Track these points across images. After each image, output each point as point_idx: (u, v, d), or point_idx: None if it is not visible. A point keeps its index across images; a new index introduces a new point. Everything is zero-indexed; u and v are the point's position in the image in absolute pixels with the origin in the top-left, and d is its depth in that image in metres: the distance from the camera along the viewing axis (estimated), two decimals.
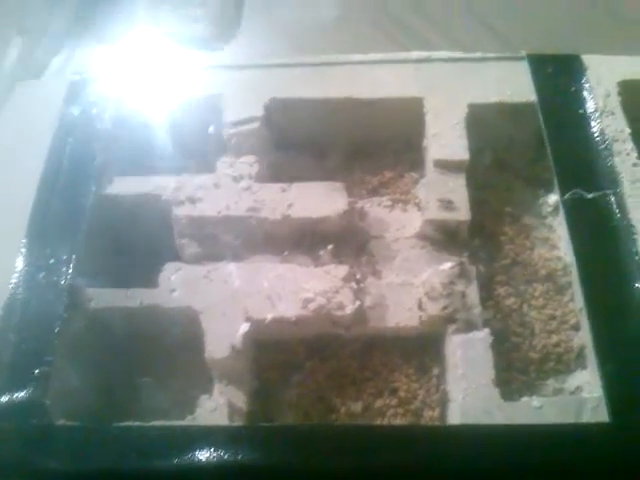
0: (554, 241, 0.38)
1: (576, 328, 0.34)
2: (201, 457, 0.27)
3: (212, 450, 0.27)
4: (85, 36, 0.60)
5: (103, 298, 0.32)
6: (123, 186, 0.36)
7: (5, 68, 0.59)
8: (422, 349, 0.33)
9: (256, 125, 0.38)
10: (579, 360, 0.34)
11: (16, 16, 0.63)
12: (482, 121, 0.38)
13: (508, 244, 0.37)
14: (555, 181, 0.35)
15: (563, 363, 0.34)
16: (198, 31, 0.64)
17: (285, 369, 0.33)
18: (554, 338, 0.34)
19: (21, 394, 0.28)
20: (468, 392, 0.29)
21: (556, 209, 0.38)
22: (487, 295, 0.35)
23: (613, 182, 0.34)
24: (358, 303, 0.32)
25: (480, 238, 0.37)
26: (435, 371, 0.33)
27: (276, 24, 0.63)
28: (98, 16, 0.62)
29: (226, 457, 0.27)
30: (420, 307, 0.32)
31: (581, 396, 0.30)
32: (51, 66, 0.59)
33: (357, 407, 0.32)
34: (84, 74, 0.41)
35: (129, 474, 0.27)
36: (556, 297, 0.36)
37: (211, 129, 0.38)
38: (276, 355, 0.33)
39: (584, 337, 0.33)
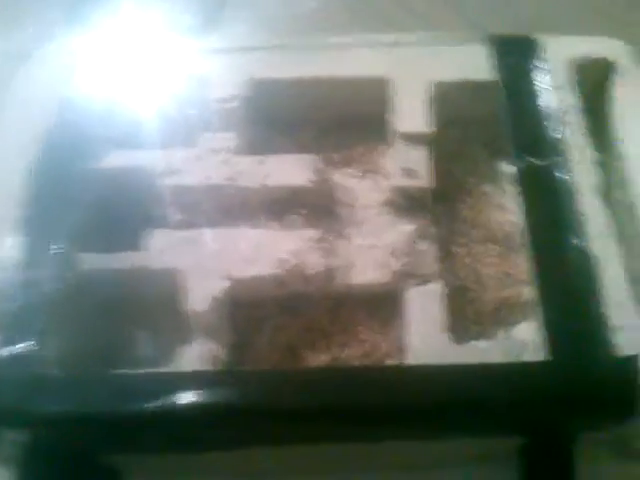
0: (510, 208, 0.41)
1: (526, 284, 0.37)
2: (184, 399, 0.30)
3: (193, 393, 0.30)
4: (76, 24, 0.63)
5: (95, 261, 0.35)
6: (112, 160, 0.39)
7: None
8: (386, 305, 0.37)
9: (236, 103, 0.41)
10: (528, 312, 0.37)
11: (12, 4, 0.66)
12: (447, 98, 0.41)
13: (467, 210, 0.40)
14: (511, 150, 0.38)
15: (513, 315, 0.37)
16: (185, 20, 0.67)
17: (259, 324, 0.36)
18: (506, 292, 0.37)
19: (20, 347, 0.31)
20: (423, 337, 0.32)
21: (512, 179, 0.41)
22: (446, 255, 0.38)
23: (562, 150, 0.37)
24: (327, 261, 0.35)
25: (442, 204, 0.40)
26: (397, 324, 0.36)
27: (258, 13, 0.66)
28: (88, 6, 0.65)
29: (206, 399, 0.30)
30: (384, 265, 0.35)
31: (524, 339, 0.33)
32: (45, 52, 0.62)
33: (326, 358, 0.35)
34: (75, 59, 0.43)
35: (117, 415, 0.30)
36: (509, 257, 0.39)
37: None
38: (251, 312, 0.36)
39: (533, 292, 0.36)
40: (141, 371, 0.31)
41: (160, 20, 0.61)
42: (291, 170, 0.38)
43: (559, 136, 0.38)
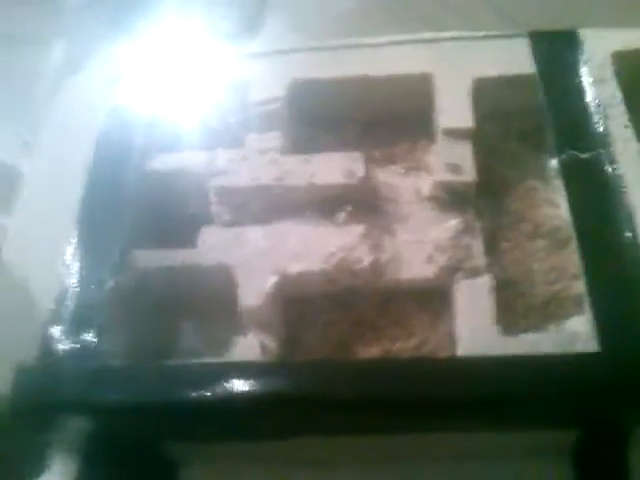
0: (556, 201, 0.41)
1: (575, 278, 0.37)
2: (237, 389, 0.31)
3: (246, 382, 0.31)
4: (120, 35, 0.65)
5: (148, 259, 0.36)
6: (162, 163, 0.40)
7: (50, 70, 0.64)
8: (434, 299, 0.37)
9: (279, 104, 0.42)
10: (578, 306, 0.37)
11: (56, 19, 0.69)
12: (488, 93, 0.41)
13: (513, 204, 0.41)
14: (553, 143, 0.38)
15: (563, 309, 0.37)
16: (225, 27, 0.69)
17: (310, 320, 0.37)
18: (555, 287, 0.37)
19: (81, 341, 0.33)
20: (473, 330, 0.33)
21: (558, 173, 0.41)
22: (492, 249, 0.38)
23: (606, 143, 0.37)
24: (374, 256, 0.36)
25: (486, 199, 0.40)
26: (446, 318, 0.37)
27: (296, 16, 0.67)
28: (131, 17, 0.67)
29: (259, 388, 0.31)
30: (430, 259, 0.36)
31: (574, 331, 0.33)
32: (91, 65, 0.65)
33: (376, 351, 0.36)
34: (120, 69, 0.45)
35: (172, 404, 0.31)
36: (557, 251, 0.39)
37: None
38: (302, 308, 0.37)
39: (582, 286, 0.36)
40: (196, 362, 0.32)
41: (201, 27, 0.63)
42: (336, 168, 0.38)
43: (602, 129, 0.38)
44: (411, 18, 0.59)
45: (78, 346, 0.33)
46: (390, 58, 0.43)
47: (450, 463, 0.36)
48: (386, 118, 0.43)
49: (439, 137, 0.40)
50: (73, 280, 0.35)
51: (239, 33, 0.63)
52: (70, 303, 0.34)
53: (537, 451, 0.36)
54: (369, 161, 0.40)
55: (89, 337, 0.33)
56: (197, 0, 0.67)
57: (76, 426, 0.33)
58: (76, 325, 0.34)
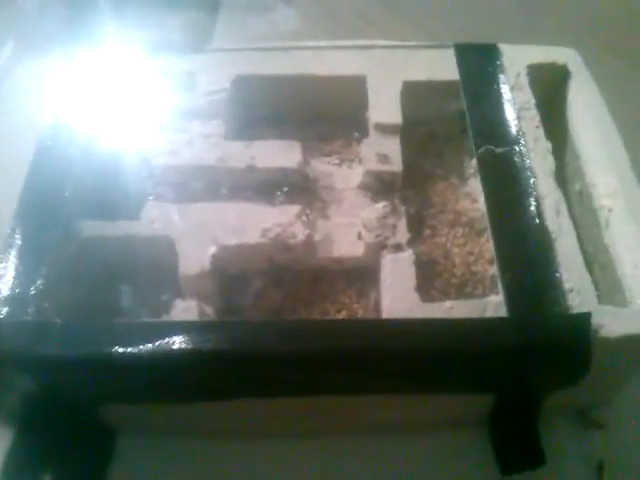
0: (475, 196, 0.44)
1: (491, 263, 0.41)
2: (174, 346, 0.32)
3: (183, 339, 0.32)
4: (71, 40, 0.66)
5: (92, 229, 0.38)
6: (108, 142, 0.42)
7: None
8: (362, 276, 0.40)
9: (223, 96, 0.44)
10: (492, 287, 0.40)
11: (8, 19, 0.70)
12: (416, 95, 0.45)
13: (436, 197, 0.44)
14: (471, 141, 0.42)
15: (478, 289, 0.40)
16: (174, 37, 0.71)
17: (246, 292, 0.39)
18: (472, 269, 0.41)
19: (23, 299, 0.34)
20: (394, 297, 0.36)
21: (477, 171, 0.45)
22: (415, 235, 0.41)
23: (518, 140, 0.41)
24: (308, 232, 0.38)
25: (412, 190, 0.44)
26: (372, 294, 0.39)
27: (247, 33, 0.71)
28: (85, 22, 0.69)
29: (195, 345, 0.32)
30: (359, 237, 0.39)
31: (486, 300, 0.36)
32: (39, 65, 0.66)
33: None
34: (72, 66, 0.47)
35: (111, 360, 0.32)
36: (475, 238, 0.42)
37: None
38: (238, 281, 0.39)
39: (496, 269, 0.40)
40: (136, 320, 0.34)
41: (153, 35, 0.65)
42: (275, 154, 0.41)
43: (516, 129, 0.42)
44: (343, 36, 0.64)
45: (19, 305, 0.34)
46: (328, 61, 0.46)
47: (369, 437, 0.39)
48: (323, 114, 0.47)
49: (371, 132, 0.43)
50: (15, 248, 0.36)
51: (188, 42, 0.66)
52: (12, 268, 0.35)
53: (455, 422, 0.39)
54: (306, 152, 0.43)
55: (30, 297, 0.34)
56: (152, 10, 0.70)
57: (14, 384, 0.33)
58: (17, 287, 0.34)
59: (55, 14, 0.71)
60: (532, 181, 0.39)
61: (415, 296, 0.35)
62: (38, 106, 0.44)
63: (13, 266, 0.35)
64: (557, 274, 0.36)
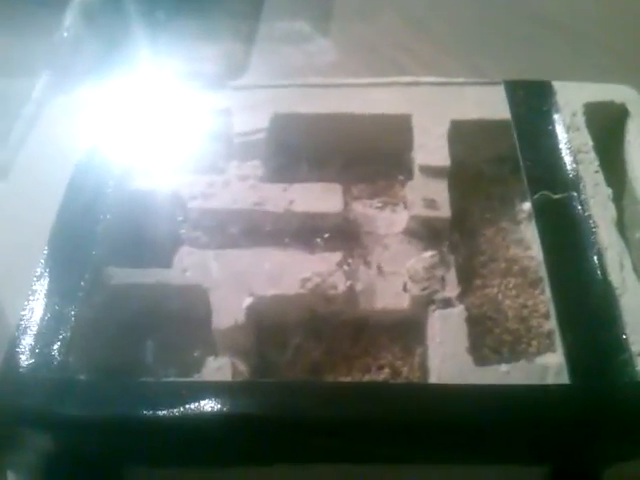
0: (528, 242, 0.42)
1: (546, 317, 0.38)
2: (205, 408, 0.30)
3: (215, 402, 0.30)
4: (106, 72, 0.66)
5: (122, 276, 0.36)
6: (142, 183, 0.40)
7: (34, 98, 0.64)
8: (407, 331, 0.37)
9: (261, 136, 0.42)
10: (548, 344, 0.37)
11: (43, 52, 0.70)
12: (464, 136, 0.43)
13: (486, 244, 0.41)
14: (526, 185, 0.39)
15: (533, 346, 0.37)
16: (208, 69, 0.70)
17: (283, 346, 0.37)
18: (526, 324, 0.38)
19: (47, 352, 0.32)
20: (444, 358, 0.33)
21: (530, 215, 0.42)
22: (465, 285, 0.38)
23: (577, 185, 0.38)
24: (349, 283, 0.36)
25: (461, 237, 0.41)
26: (418, 351, 0.36)
27: (283, 64, 0.70)
28: (117, 56, 0.69)
29: (227, 408, 0.30)
30: (404, 289, 0.36)
31: (546, 363, 0.33)
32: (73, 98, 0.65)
33: (346, 380, 0.36)
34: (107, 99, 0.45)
35: (139, 422, 0.30)
36: (528, 290, 0.39)
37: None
38: (275, 334, 0.37)
39: (554, 324, 0.37)
40: (164, 380, 0.32)
41: (187, 66, 0.64)
42: (315, 197, 0.39)
43: (574, 173, 0.39)
44: (389, 71, 0.62)
45: (42, 359, 0.32)
46: (371, 98, 0.44)
47: None
48: (365, 155, 0.44)
49: (416, 174, 0.41)
50: (42, 294, 0.34)
51: (221, 76, 0.65)
52: (37, 316, 0.33)
53: None
54: (347, 194, 0.41)
55: (54, 351, 0.32)
56: (186, 40, 0.69)
57: (36, 443, 0.31)
58: (42, 338, 0.32)
59: (90, 46, 0.71)
60: (593, 230, 0.37)
61: (468, 358, 0.33)
62: (72, 139, 0.43)
63: (38, 315, 0.33)
64: (624, 335, 0.33)
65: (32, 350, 0.32)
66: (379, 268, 0.38)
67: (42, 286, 0.34)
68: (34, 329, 0.33)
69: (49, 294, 0.34)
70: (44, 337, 0.32)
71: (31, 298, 0.34)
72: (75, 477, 0.32)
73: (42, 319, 0.33)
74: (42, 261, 0.35)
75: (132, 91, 0.46)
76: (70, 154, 0.42)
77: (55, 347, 0.32)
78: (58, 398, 0.30)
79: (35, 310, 0.34)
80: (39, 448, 0.31)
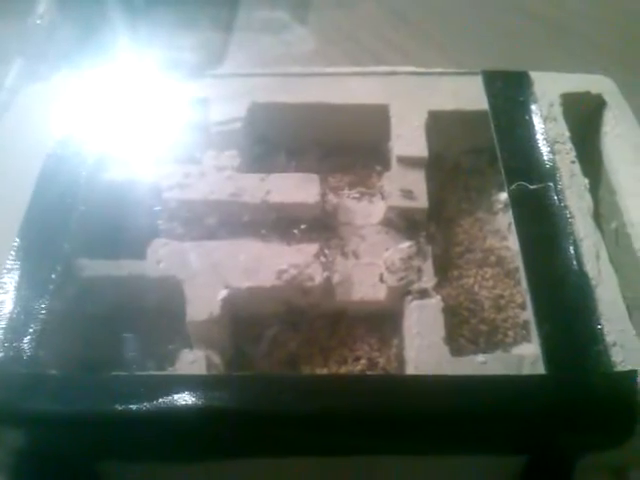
0: (504, 233, 0.42)
1: (522, 307, 0.38)
2: (179, 402, 0.30)
3: (190, 396, 0.30)
4: (81, 59, 0.65)
5: (94, 268, 0.35)
6: (116, 174, 0.39)
7: (6, 85, 0.63)
8: (384, 322, 0.37)
9: (239, 125, 0.42)
10: (524, 334, 0.37)
11: (16, 39, 0.68)
12: (441, 127, 0.43)
13: (463, 234, 0.41)
14: (503, 175, 0.39)
15: (510, 336, 0.37)
16: (186, 57, 0.69)
17: (258, 339, 0.36)
18: (502, 314, 0.38)
19: (17, 347, 0.31)
20: (421, 349, 0.33)
21: (506, 206, 0.42)
22: (442, 276, 0.38)
23: (553, 176, 0.38)
24: (326, 274, 0.35)
25: (438, 228, 0.41)
26: (395, 342, 0.36)
27: (261, 54, 0.69)
28: (94, 43, 0.68)
29: (202, 401, 0.30)
30: (381, 280, 0.36)
31: (522, 354, 0.33)
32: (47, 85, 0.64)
33: (323, 372, 0.35)
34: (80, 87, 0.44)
35: (112, 416, 0.29)
36: (505, 280, 0.39)
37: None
38: (251, 327, 0.37)
39: (530, 315, 0.37)
40: (137, 374, 0.31)
41: (165, 55, 0.63)
42: (292, 187, 0.39)
43: (550, 164, 0.39)
44: (368, 61, 0.61)
45: (12, 353, 0.31)
46: (349, 88, 0.44)
47: None
48: (343, 145, 0.44)
49: (394, 164, 0.40)
50: (11, 287, 0.33)
51: (201, 62, 0.64)
52: (7, 310, 0.32)
53: None
54: (325, 185, 0.41)
55: (24, 345, 0.31)
56: (164, 29, 0.68)
57: (6, 440, 0.31)
58: (11, 332, 0.32)
59: (66, 32, 0.69)
60: (569, 221, 0.37)
61: (444, 349, 0.32)
62: (44, 128, 0.42)
63: (7, 309, 0.33)
64: (599, 326, 0.33)
65: (1, 344, 0.31)
66: (356, 258, 0.37)
67: (12, 279, 0.34)
68: (3, 323, 0.32)
69: (19, 287, 0.33)
70: (14, 331, 0.32)
71: (0, 291, 0.33)
72: (48, 473, 0.32)
73: (12, 312, 0.32)
74: (12, 253, 0.35)
75: (108, 79, 0.45)
76: (43, 143, 0.41)
77: (25, 341, 0.31)
78: (28, 393, 0.30)
79: (5, 303, 0.33)
80: (9, 445, 0.30)
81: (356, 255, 0.38)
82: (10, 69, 0.62)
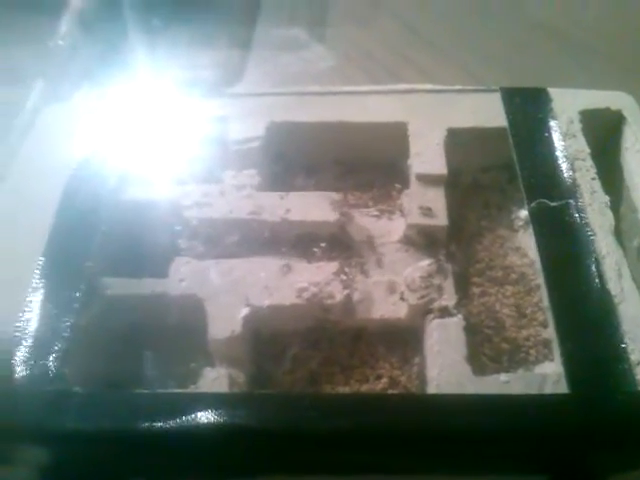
0: (525, 250, 0.41)
1: (544, 325, 0.38)
2: (202, 420, 0.30)
3: (212, 413, 0.30)
4: (102, 80, 0.66)
5: (117, 286, 0.36)
6: (137, 193, 0.40)
7: (28, 107, 0.64)
8: (405, 341, 0.37)
9: (257, 144, 0.42)
10: (546, 352, 0.37)
11: (38, 60, 0.69)
12: (460, 144, 0.43)
13: (483, 252, 0.41)
14: (523, 193, 0.39)
15: (532, 355, 0.37)
16: (204, 76, 0.70)
17: (280, 357, 0.36)
18: (524, 333, 0.38)
19: (42, 364, 0.32)
20: (443, 367, 0.33)
21: (527, 223, 0.42)
22: (462, 294, 0.38)
23: (574, 193, 0.38)
24: (347, 292, 0.35)
25: (458, 246, 0.41)
26: (416, 360, 0.36)
27: (279, 71, 0.69)
28: (115, 62, 0.69)
29: (225, 420, 0.30)
30: (401, 298, 0.36)
31: (544, 373, 0.33)
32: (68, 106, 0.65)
33: (345, 391, 0.35)
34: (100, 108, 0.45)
35: (136, 434, 0.30)
36: (526, 297, 0.39)
37: None
38: (272, 345, 0.37)
39: (551, 333, 0.37)
40: (161, 391, 0.31)
41: (183, 74, 0.64)
42: (311, 206, 0.39)
43: (571, 181, 0.39)
44: (387, 79, 0.62)
45: (36, 372, 0.31)
46: (367, 106, 0.44)
47: None
48: (361, 163, 0.44)
49: (413, 182, 0.40)
50: (37, 305, 0.34)
51: (220, 80, 0.65)
52: (32, 328, 0.33)
53: None
54: (344, 203, 0.41)
55: (50, 363, 0.32)
56: (182, 48, 0.69)
57: (32, 458, 0.31)
58: (36, 351, 0.32)
59: (86, 53, 0.70)
60: (590, 238, 0.36)
61: (466, 368, 0.32)
62: (67, 149, 0.43)
63: (33, 327, 0.33)
64: (623, 344, 0.32)
65: (26, 363, 0.31)
66: (376, 276, 0.37)
67: (37, 297, 0.34)
68: (29, 341, 0.33)
69: (44, 305, 0.34)
70: (39, 349, 0.32)
71: (26, 309, 0.33)
72: None
73: (37, 330, 0.33)
74: (37, 272, 0.35)
75: (128, 99, 0.46)
76: (65, 163, 0.41)
77: (51, 359, 0.32)
78: (54, 411, 0.30)
79: (30, 321, 0.33)
80: (35, 463, 0.31)
81: (376, 273, 0.38)
82: (32, 90, 0.63)
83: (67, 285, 0.35)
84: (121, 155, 0.42)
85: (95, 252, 0.36)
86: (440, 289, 0.36)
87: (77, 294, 0.34)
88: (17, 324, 0.33)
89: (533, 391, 0.32)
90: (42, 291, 0.35)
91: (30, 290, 0.34)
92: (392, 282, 0.37)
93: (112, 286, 0.36)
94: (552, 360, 0.36)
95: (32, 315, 0.33)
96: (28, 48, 0.69)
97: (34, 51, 0.67)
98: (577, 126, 0.42)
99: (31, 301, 0.34)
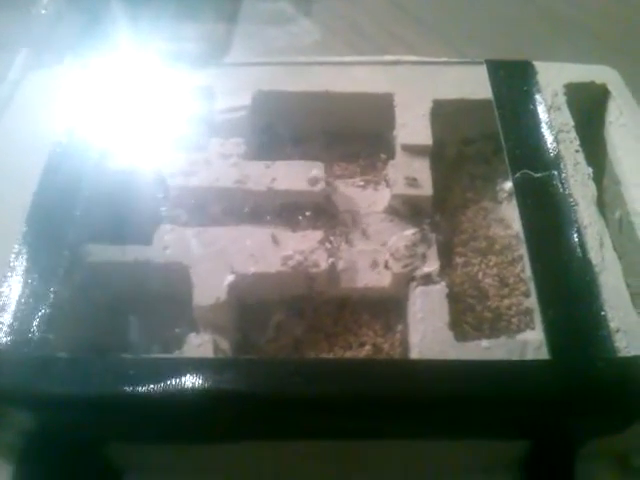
0: (508, 222, 0.42)
1: (526, 295, 0.38)
2: (187, 385, 0.30)
3: (197, 378, 0.30)
4: (86, 49, 0.65)
5: (100, 253, 0.36)
6: (122, 161, 0.40)
7: (11, 76, 0.63)
8: (388, 309, 0.37)
9: (244, 113, 0.42)
10: (528, 321, 0.37)
11: (20, 28, 0.68)
12: (446, 115, 0.43)
13: (467, 222, 0.42)
14: (507, 164, 0.39)
15: (514, 323, 0.37)
16: (190, 48, 0.69)
17: (264, 324, 0.37)
18: (506, 302, 0.38)
19: (26, 330, 0.32)
20: (425, 334, 0.33)
21: (511, 195, 0.42)
22: (446, 263, 0.38)
23: (557, 164, 0.39)
24: (331, 260, 0.36)
25: (442, 216, 0.41)
26: (399, 328, 0.37)
27: (266, 45, 0.69)
28: (100, 33, 0.68)
29: (209, 384, 0.30)
30: (385, 266, 0.36)
31: (526, 340, 0.34)
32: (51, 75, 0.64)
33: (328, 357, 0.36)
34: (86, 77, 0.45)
35: (120, 398, 0.30)
36: (509, 267, 0.40)
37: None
38: (257, 312, 0.37)
39: (533, 302, 0.37)
40: (146, 356, 0.31)
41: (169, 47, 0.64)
42: (297, 175, 0.39)
43: (554, 152, 0.39)
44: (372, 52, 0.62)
45: (21, 337, 0.31)
46: (353, 77, 0.44)
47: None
48: (347, 133, 0.44)
49: (398, 152, 0.41)
50: (20, 271, 0.33)
51: (205, 53, 0.64)
52: (15, 294, 0.33)
53: (487, 466, 0.36)
54: (330, 172, 0.41)
55: (33, 328, 0.32)
56: (168, 19, 0.68)
57: (15, 421, 0.31)
58: (20, 316, 0.32)
59: (70, 23, 0.69)
60: (573, 209, 0.37)
61: (449, 334, 0.33)
62: (50, 118, 0.42)
63: (16, 293, 0.33)
64: (602, 312, 0.33)
65: (10, 328, 0.31)
66: (361, 245, 0.38)
67: (20, 263, 0.34)
68: (12, 307, 0.32)
69: (27, 271, 0.34)
70: (23, 314, 0.32)
71: (9, 275, 0.33)
72: (56, 455, 0.32)
73: (20, 296, 0.33)
74: (20, 238, 0.35)
75: (112, 69, 0.45)
76: (48, 132, 0.41)
77: (34, 324, 0.32)
78: (37, 376, 0.30)
79: (13, 287, 0.33)
80: (18, 427, 0.31)
81: (361, 242, 0.38)
82: (15, 59, 0.62)
83: (50, 252, 0.35)
84: (105, 124, 0.41)
85: (78, 220, 0.36)
86: (424, 257, 0.36)
87: (60, 261, 0.34)
88: (0, 290, 0.33)
89: (514, 357, 0.32)
90: (25, 257, 0.34)
91: (13, 256, 0.34)
92: (376, 251, 0.37)
93: (95, 253, 0.35)
94: (533, 329, 0.37)
95: (15, 281, 0.33)
96: (10, 17, 0.67)
97: (16, 18, 0.66)
98: (562, 99, 0.42)
99: (14, 267, 0.34)
